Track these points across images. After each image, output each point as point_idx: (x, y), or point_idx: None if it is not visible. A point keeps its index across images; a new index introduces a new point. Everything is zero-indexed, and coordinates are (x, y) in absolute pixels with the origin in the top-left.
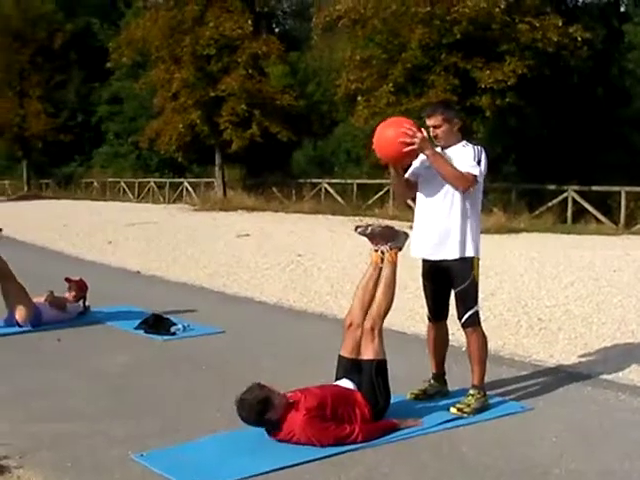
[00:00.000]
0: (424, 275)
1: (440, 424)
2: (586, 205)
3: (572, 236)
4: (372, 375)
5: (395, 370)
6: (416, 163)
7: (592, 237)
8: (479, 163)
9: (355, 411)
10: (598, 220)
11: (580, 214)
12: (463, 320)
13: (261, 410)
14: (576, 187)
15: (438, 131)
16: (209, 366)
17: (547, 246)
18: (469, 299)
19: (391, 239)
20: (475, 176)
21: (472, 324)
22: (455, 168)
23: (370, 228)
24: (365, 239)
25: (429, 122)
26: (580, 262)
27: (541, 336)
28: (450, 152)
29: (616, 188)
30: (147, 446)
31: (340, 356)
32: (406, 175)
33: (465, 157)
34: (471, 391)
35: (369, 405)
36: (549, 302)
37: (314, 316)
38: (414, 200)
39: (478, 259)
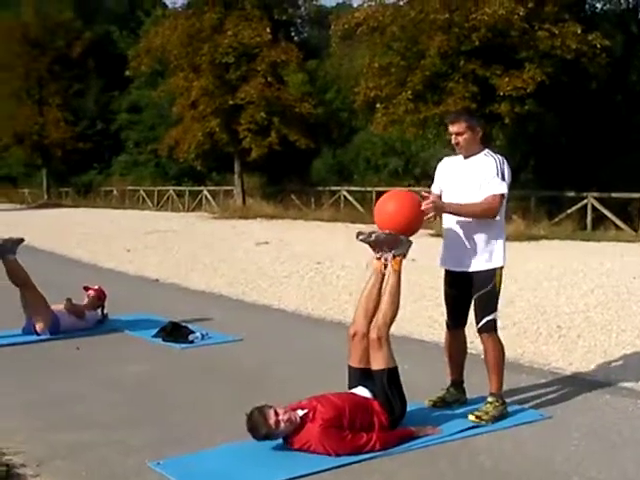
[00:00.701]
0: (447, 282)
1: (458, 432)
2: (605, 212)
3: (591, 243)
4: (385, 384)
5: (414, 378)
6: (439, 178)
7: (612, 244)
8: (503, 177)
9: (373, 419)
10: (618, 227)
11: (599, 221)
12: (480, 325)
13: (266, 438)
14: (595, 194)
15: (460, 138)
16: (227, 374)
17: (566, 253)
18: (488, 305)
19: (395, 246)
20: (502, 195)
21: (488, 330)
22: (478, 204)
23: (374, 235)
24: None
25: (452, 129)
26: (600, 269)
27: (560, 344)
28: (472, 162)
29: (636, 195)
30: (164, 454)
31: (349, 366)
32: (434, 191)
33: (488, 171)
34: (489, 399)
35: (386, 413)
36: (568, 309)
37: (332, 324)
38: None
39: (502, 267)
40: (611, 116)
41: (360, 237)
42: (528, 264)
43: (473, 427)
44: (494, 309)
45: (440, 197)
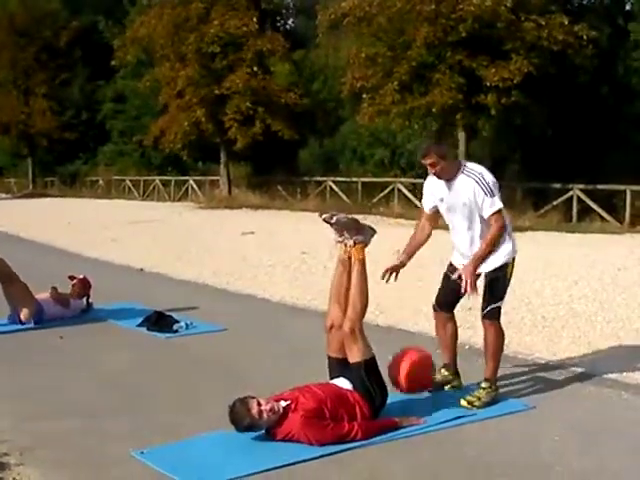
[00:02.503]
0: (449, 269)
1: (442, 422)
2: (591, 204)
3: (577, 235)
4: (363, 376)
5: None
6: (429, 199)
7: (597, 236)
8: (491, 191)
9: (355, 410)
10: (603, 219)
11: (585, 213)
12: (485, 311)
13: (248, 429)
14: (581, 186)
15: (437, 168)
16: (211, 364)
17: (552, 244)
18: (496, 293)
19: (356, 232)
20: (499, 211)
21: (491, 317)
22: (489, 238)
23: (335, 217)
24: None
25: (425, 162)
26: (585, 260)
27: (545, 334)
28: (456, 185)
29: (621, 187)
30: (147, 443)
31: (329, 356)
32: (427, 211)
33: (474, 194)
34: (483, 384)
35: (367, 403)
36: (553, 300)
37: (317, 313)
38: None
39: (514, 259)
40: (598, 108)
41: (322, 216)
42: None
43: (457, 417)
44: (501, 298)
45: (431, 215)
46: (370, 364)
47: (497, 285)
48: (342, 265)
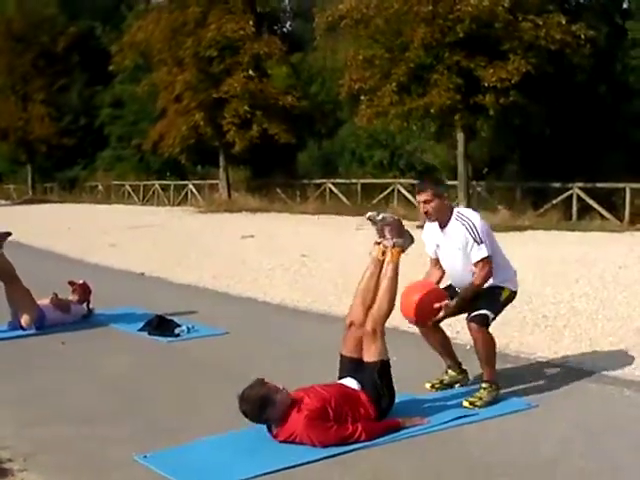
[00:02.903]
0: (448, 292)
1: (445, 423)
2: (591, 202)
3: (577, 233)
4: (375, 377)
5: (402, 369)
6: (429, 245)
7: (597, 234)
8: (480, 239)
9: (359, 410)
10: (603, 217)
11: (585, 211)
12: (473, 315)
13: (261, 406)
14: (581, 184)
15: (428, 207)
16: (213, 367)
17: (552, 243)
18: (489, 302)
19: (398, 235)
20: (486, 257)
21: (478, 323)
22: (474, 284)
23: (382, 215)
24: (370, 234)
25: (419, 198)
26: (585, 259)
27: (546, 333)
28: (449, 231)
29: (621, 185)
30: (150, 447)
31: (342, 355)
32: (432, 256)
33: (465, 241)
34: (483, 385)
35: (373, 405)
36: (554, 299)
37: (317, 316)
38: None
39: (514, 292)
40: (596, 107)
41: (369, 215)
42: (514, 255)
43: (460, 417)
44: (493, 309)
45: (437, 259)
46: (385, 366)
47: (492, 296)
48: (374, 266)
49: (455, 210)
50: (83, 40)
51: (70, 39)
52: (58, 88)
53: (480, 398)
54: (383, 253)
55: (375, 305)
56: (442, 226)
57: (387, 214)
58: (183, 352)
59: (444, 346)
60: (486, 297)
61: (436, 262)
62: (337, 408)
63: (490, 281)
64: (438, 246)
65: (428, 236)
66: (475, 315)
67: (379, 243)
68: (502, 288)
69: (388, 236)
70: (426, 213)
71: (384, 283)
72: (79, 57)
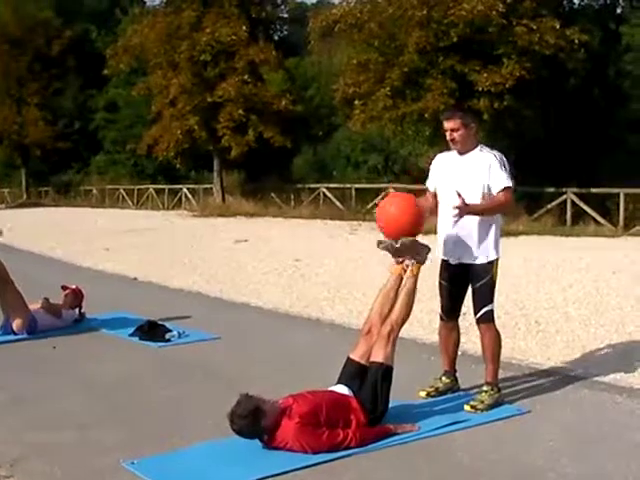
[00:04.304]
0: (442, 275)
1: (437, 429)
2: (585, 207)
3: (571, 238)
4: (378, 378)
5: (393, 375)
6: (434, 174)
7: (591, 239)
8: (507, 170)
9: (350, 417)
10: (597, 222)
11: (579, 216)
12: (478, 316)
13: (253, 420)
14: (575, 189)
15: (455, 134)
16: (203, 373)
17: (546, 248)
18: (486, 296)
19: (415, 253)
20: (510, 187)
21: (487, 320)
22: (496, 202)
23: (400, 242)
24: (363, 238)
25: (447, 125)
26: (579, 264)
27: (538, 339)
28: (469, 158)
29: (615, 190)
30: (139, 454)
31: (349, 358)
32: (430, 189)
33: (489, 166)
34: (485, 387)
35: (365, 411)
36: (547, 304)
37: (310, 321)
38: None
39: (498, 259)
40: (590, 111)
41: (381, 246)
42: (507, 259)
43: (452, 423)
44: (491, 300)
45: (435, 194)
46: (388, 371)
47: (486, 289)
48: (395, 282)
49: (480, 145)
50: (78, 44)
51: (65, 42)
52: (53, 92)
53: (482, 402)
54: (405, 271)
55: (394, 312)
56: (462, 153)
57: (402, 239)
58: (173, 357)
59: (453, 347)
60: (482, 292)
61: (433, 196)
62: (328, 414)
63: (487, 255)
64: (448, 173)
65: (437, 167)
66: (481, 315)
67: (400, 263)
68: (492, 265)
69: (408, 255)
70: (452, 140)
71: (403, 292)
72: (75, 61)
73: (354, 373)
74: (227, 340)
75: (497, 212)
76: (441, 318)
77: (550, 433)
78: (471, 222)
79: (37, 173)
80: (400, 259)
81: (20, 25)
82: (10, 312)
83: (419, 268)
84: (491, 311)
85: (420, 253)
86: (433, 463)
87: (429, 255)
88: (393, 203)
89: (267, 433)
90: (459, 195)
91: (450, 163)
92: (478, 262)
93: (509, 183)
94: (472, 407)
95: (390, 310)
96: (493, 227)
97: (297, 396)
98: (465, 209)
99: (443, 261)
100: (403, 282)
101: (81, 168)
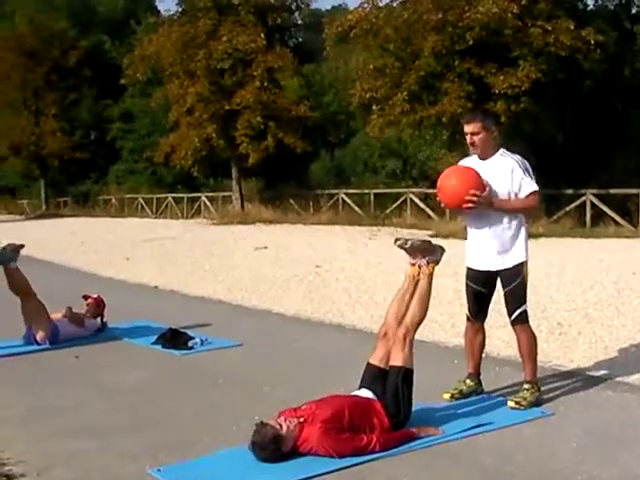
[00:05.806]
0: (470, 279)
1: (460, 432)
2: (604, 208)
3: (591, 240)
4: (398, 382)
5: (415, 378)
6: None
7: (611, 240)
8: (530, 175)
9: (373, 421)
10: (617, 223)
11: (598, 217)
12: (513, 317)
13: (275, 450)
14: (594, 190)
15: (476, 138)
16: (226, 380)
17: (566, 250)
18: (519, 297)
19: (429, 253)
20: (537, 191)
21: (521, 321)
22: (520, 201)
23: (409, 242)
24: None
25: (467, 128)
26: (599, 265)
27: (561, 341)
28: (490, 163)
29: (634, 190)
30: (164, 461)
31: (369, 363)
32: None
33: (512, 172)
34: (525, 386)
35: (389, 415)
36: (569, 306)
37: (332, 327)
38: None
39: (527, 260)
40: (607, 112)
41: (397, 243)
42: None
43: (476, 426)
44: (524, 301)
45: None
46: (409, 374)
47: (518, 291)
48: (409, 283)
49: (501, 149)
50: (93, 54)
51: (81, 53)
52: (69, 103)
53: (524, 398)
54: (419, 273)
55: (409, 313)
56: (483, 158)
57: (414, 239)
58: (196, 365)
59: (478, 349)
60: (514, 295)
61: None
62: (350, 417)
63: (518, 258)
64: None
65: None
66: (516, 316)
67: (414, 264)
68: (521, 266)
69: (420, 255)
70: (472, 144)
71: (418, 293)
72: (90, 71)
73: (375, 377)
74: (249, 347)
75: (522, 213)
76: (468, 319)
77: (575, 435)
78: (504, 229)
79: (56, 184)
80: (414, 260)
81: (36, 37)
82: (33, 323)
83: (433, 268)
84: (525, 312)
85: (434, 253)
86: (458, 466)
87: (443, 256)
88: (453, 175)
89: (291, 452)
90: (489, 187)
91: (473, 167)
92: (506, 267)
93: (536, 187)
94: (516, 403)
95: (405, 312)
96: (522, 230)
97: (319, 401)
98: (488, 199)
99: (473, 269)
100: (419, 283)
101: (99, 178)
